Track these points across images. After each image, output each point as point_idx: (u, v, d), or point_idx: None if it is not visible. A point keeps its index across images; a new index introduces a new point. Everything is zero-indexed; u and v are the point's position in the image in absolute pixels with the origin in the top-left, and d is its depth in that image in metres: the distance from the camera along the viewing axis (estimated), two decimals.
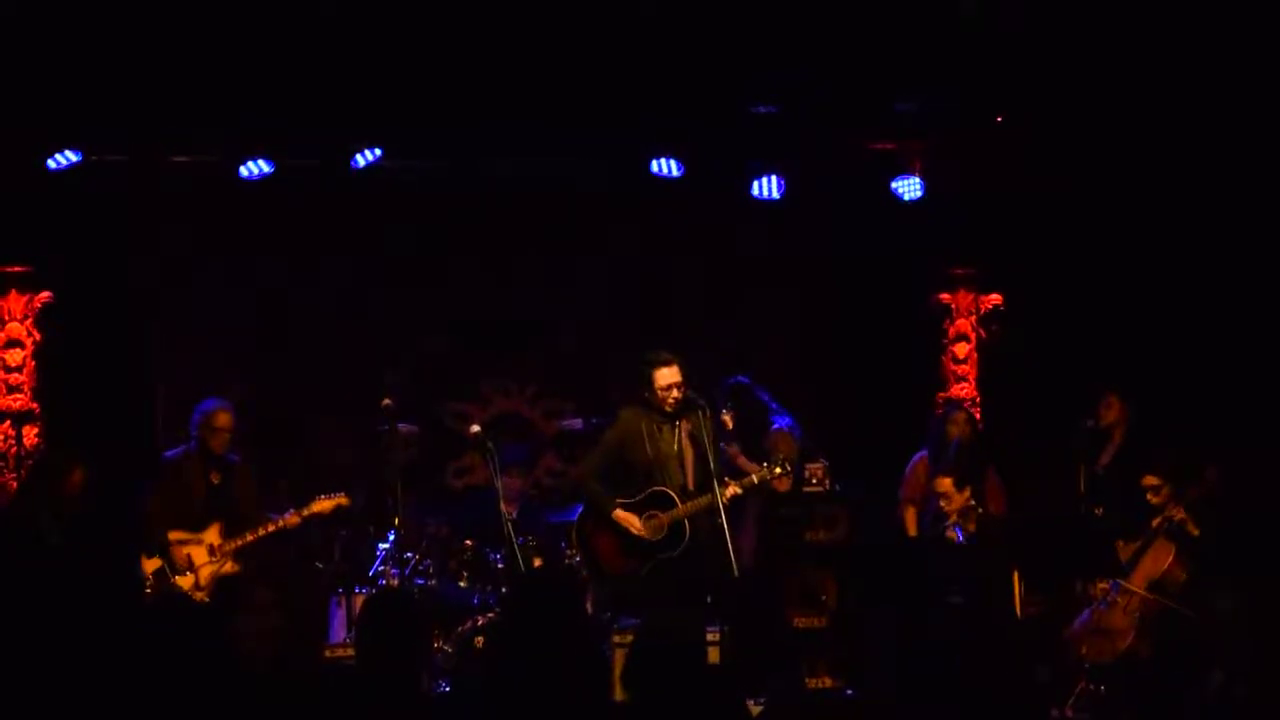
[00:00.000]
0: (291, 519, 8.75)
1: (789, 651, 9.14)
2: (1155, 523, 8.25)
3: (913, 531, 9.43)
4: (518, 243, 10.75)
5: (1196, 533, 8.17)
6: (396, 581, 8.85)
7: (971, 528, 8.65)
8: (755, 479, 8.09)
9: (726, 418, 9.35)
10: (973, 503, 8.68)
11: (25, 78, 8.85)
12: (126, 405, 10.02)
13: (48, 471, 8.77)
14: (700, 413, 8.01)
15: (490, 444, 8.52)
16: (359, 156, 9.65)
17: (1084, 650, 8.20)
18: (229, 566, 8.68)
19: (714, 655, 8.25)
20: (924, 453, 9.59)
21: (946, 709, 4.55)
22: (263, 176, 9.67)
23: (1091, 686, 8.17)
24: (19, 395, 9.93)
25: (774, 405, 9.62)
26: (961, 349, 10.97)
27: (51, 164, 9.37)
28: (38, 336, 9.98)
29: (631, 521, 8.00)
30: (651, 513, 8.02)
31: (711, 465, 7.88)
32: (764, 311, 10.94)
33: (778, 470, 8.14)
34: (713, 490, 7.79)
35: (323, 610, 9.21)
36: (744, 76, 9.42)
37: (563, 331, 10.84)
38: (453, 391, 10.76)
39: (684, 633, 7.53)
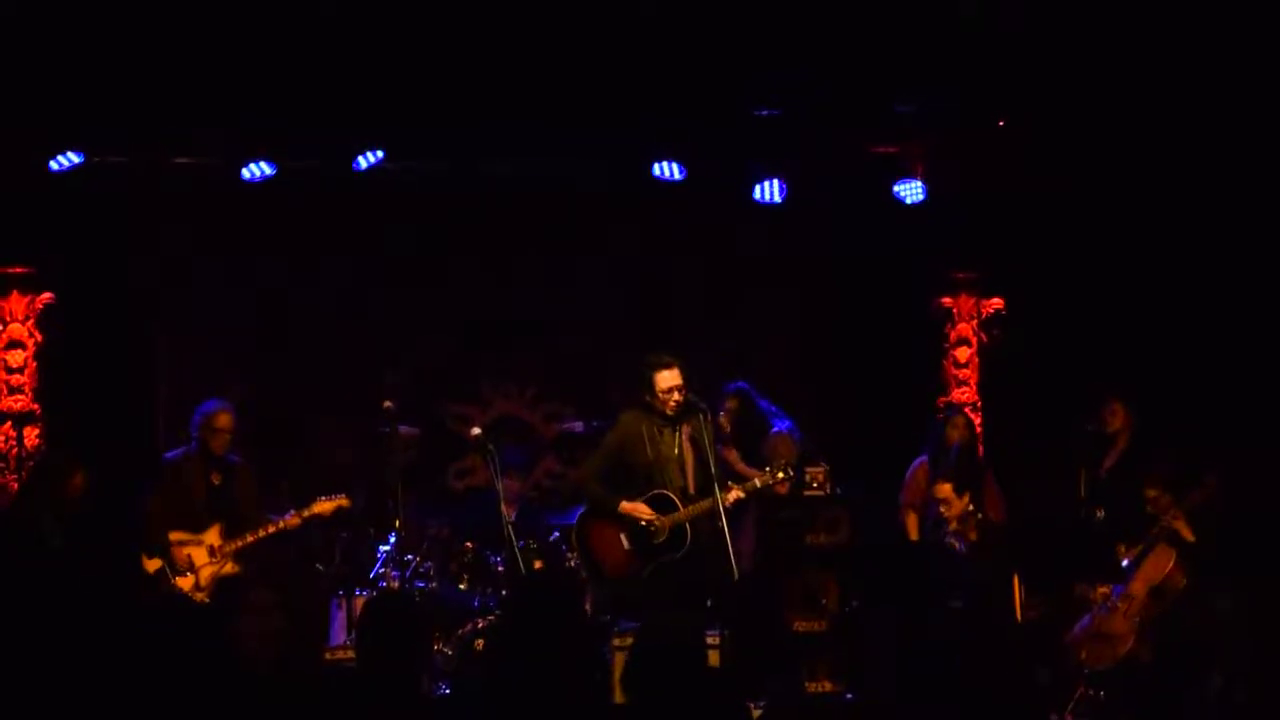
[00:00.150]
0: (292, 520, 8.75)
1: (789, 655, 9.13)
2: (1155, 528, 8.25)
3: (914, 536, 9.43)
4: (518, 243, 10.75)
5: (1192, 538, 8.17)
6: (397, 583, 8.85)
7: (973, 535, 8.64)
8: (758, 483, 8.09)
9: (723, 419, 9.35)
10: (972, 508, 8.67)
11: (27, 79, 8.85)
12: (127, 406, 10.03)
13: (49, 473, 8.77)
14: (701, 416, 8.01)
15: (491, 446, 8.53)
16: (361, 158, 9.65)
17: (1084, 655, 8.19)
18: (229, 567, 8.69)
19: (714, 658, 8.24)
20: (924, 457, 9.58)
21: (946, 710, 4.55)
22: (264, 178, 9.67)
23: (1091, 691, 8.17)
24: (20, 396, 9.93)
25: (773, 409, 9.62)
26: (963, 353, 10.97)
27: (53, 165, 9.37)
28: (39, 337, 9.98)
29: (640, 509, 7.99)
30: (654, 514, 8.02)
31: (712, 469, 7.87)
32: (764, 313, 10.94)
33: (779, 475, 8.14)
34: (714, 493, 7.79)
35: (323, 612, 9.21)
36: (744, 78, 9.42)
37: (563, 333, 10.83)
38: (453, 393, 10.76)
39: (684, 636, 7.52)
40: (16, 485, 9.57)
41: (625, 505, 8.03)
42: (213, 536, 8.69)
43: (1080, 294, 10.36)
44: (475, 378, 10.85)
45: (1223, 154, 9.68)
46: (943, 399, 10.83)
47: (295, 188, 10.01)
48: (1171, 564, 8.16)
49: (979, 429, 10.35)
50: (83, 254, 10.00)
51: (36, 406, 9.95)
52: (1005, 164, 10.13)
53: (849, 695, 8.87)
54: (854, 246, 10.86)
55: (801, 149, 10.13)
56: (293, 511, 8.79)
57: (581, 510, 8.37)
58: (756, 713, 7.86)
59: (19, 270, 9.99)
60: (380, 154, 9.66)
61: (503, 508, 8.57)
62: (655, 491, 8.02)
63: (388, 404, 8.92)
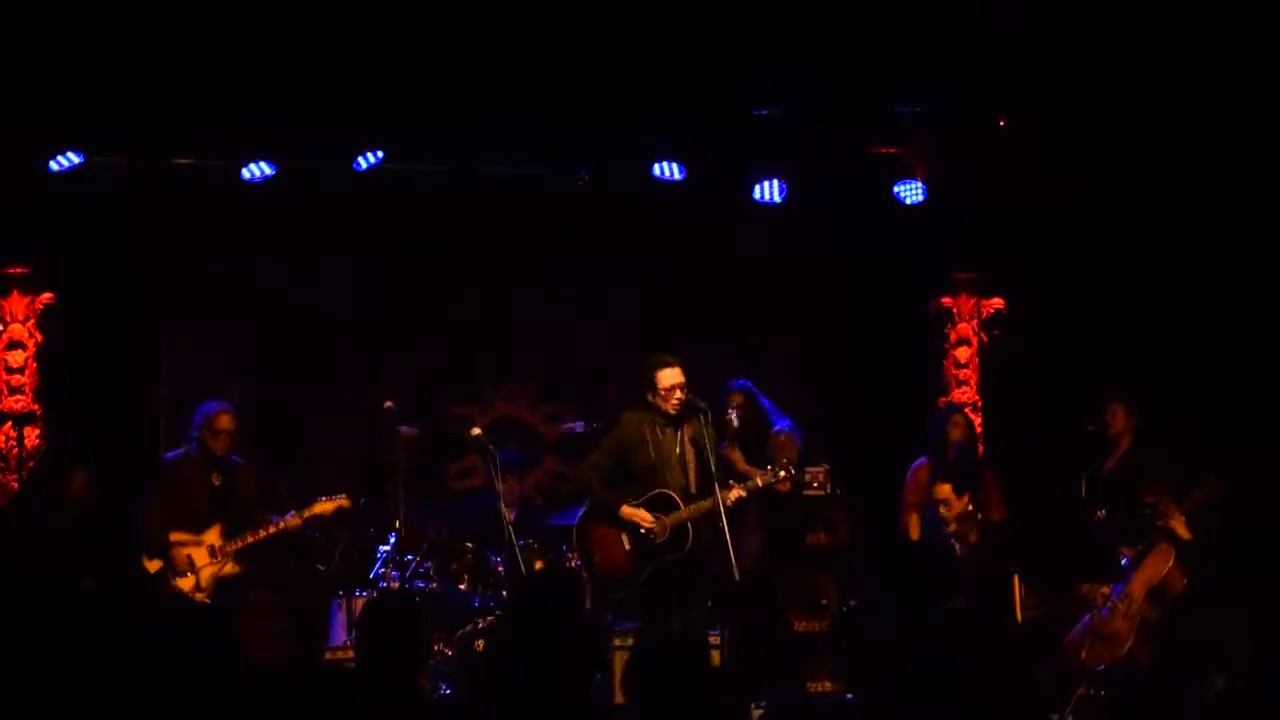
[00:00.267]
0: (292, 521, 8.75)
1: (790, 655, 9.13)
2: (1157, 527, 8.24)
3: (915, 536, 9.42)
4: (518, 243, 10.75)
5: (1188, 537, 8.16)
6: (397, 584, 8.85)
7: (973, 537, 8.63)
8: (759, 481, 8.10)
9: (731, 415, 9.33)
10: (972, 508, 8.66)
11: (27, 79, 8.85)
12: (128, 407, 10.03)
13: (49, 473, 8.77)
14: (701, 416, 8.01)
15: (490, 447, 8.53)
16: (361, 159, 9.65)
17: (1084, 655, 8.18)
18: (230, 568, 8.69)
19: (715, 659, 8.24)
20: (925, 458, 9.58)
21: (946, 710, 4.54)
22: (264, 179, 9.67)
23: (1091, 691, 8.16)
24: (20, 396, 9.93)
25: (773, 409, 9.62)
26: (963, 353, 10.97)
27: (54, 166, 9.37)
28: (39, 338, 9.98)
29: (642, 516, 7.99)
30: (655, 515, 8.01)
31: (712, 468, 7.88)
32: (765, 314, 10.94)
33: (781, 473, 8.14)
34: (715, 493, 7.79)
35: (323, 612, 9.21)
36: (744, 78, 9.42)
37: (564, 333, 10.83)
38: (454, 394, 10.76)
39: (686, 636, 7.52)
40: (17, 485, 9.56)
41: (626, 510, 8.03)
42: (213, 537, 8.69)
43: (1081, 294, 10.35)
44: (475, 378, 10.85)
45: (1223, 154, 9.68)
46: (943, 399, 10.83)
47: (295, 188, 10.01)
48: (1170, 564, 8.16)
49: (979, 429, 10.36)
50: (83, 254, 9.99)
51: (37, 407, 9.94)
52: (1006, 164, 10.13)
53: (849, 695, 8.87)
54: (854, 246, 10.86)
55: (802, 149, 10.13)
56: (293, 512, 8.79)
57: (583, 510, 8.37)
58: (757, 713, 7.87)
59: (19, 270, 9.99)
60: (380, 155, 9.66)
61: (502, 508, 8.57)
62: (657, 491, 8.02)
63: (388, 404, 8.92)
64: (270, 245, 10.41)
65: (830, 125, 9.93)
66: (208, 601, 8.57)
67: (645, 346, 8.78)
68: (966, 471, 9.09)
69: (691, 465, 8.05)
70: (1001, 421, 10.63)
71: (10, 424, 9.87)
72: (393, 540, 8.97)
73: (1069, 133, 9.91)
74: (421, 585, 9.05)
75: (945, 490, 8.73)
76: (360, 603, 8.85)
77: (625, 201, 10.60)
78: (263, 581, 8.82)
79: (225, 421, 8.79)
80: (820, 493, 9.36)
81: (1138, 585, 8.19)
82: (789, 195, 10.19)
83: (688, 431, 8.06)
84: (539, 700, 4.72)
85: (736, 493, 7.95)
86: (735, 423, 9.38)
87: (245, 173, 9.65)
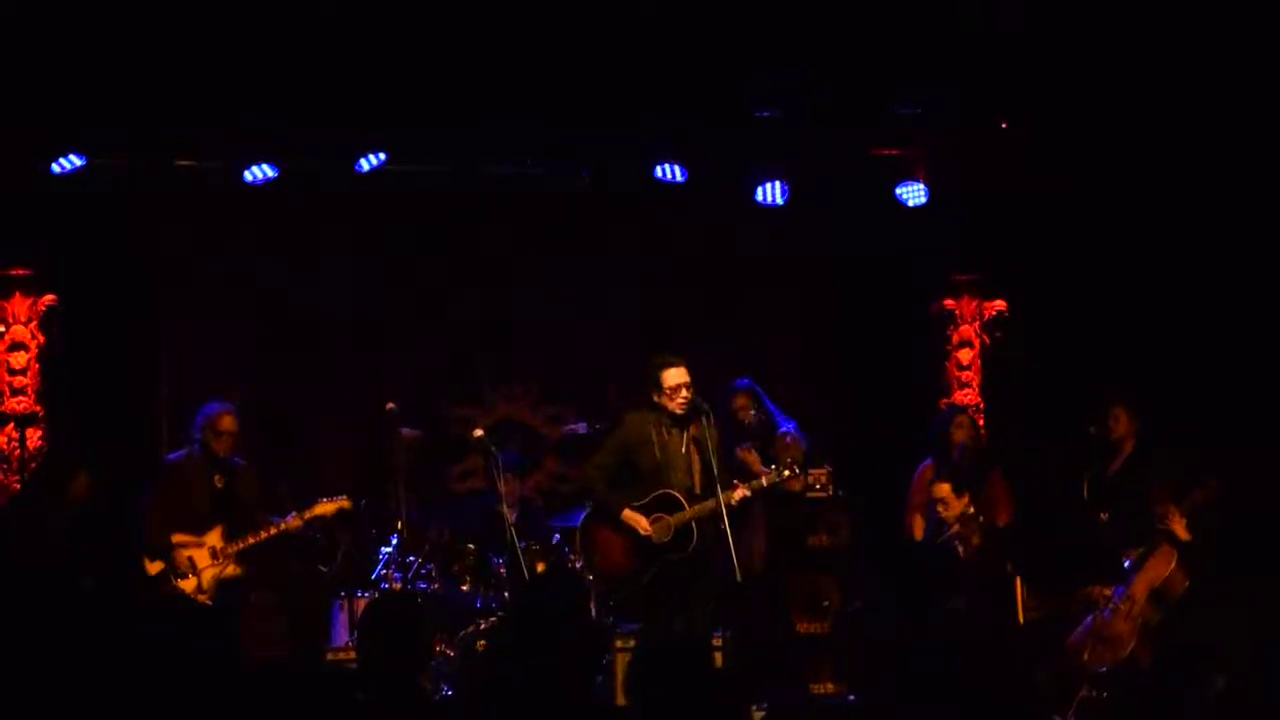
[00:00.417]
0: (294, 522, 8.76)
1: (791, 656, 9.13)
2: (1157, 529, 8.24)
3: (919, 538, 9.41)
4: (519, 244, 10.75)
5: (1188, 538, 8.16)
6: (399, 585, 8.85)
7: (976, 540, 8.63)
8: (764, 482, 8.09)
9: (749, 414, 9.29)
10: (972, 510, 8.65)
11: (29, 81, 8.85)
12: (130, 408, 10.03)
13: (51, 474, 8.77)
14: (704, 417, 8.00)
15: (492, 448, 8.53)
16: (363, 160, 9.65)
17: (1086, 657, 8.18)
18: (231, 569, 8.69)
19: (718, 660, 8.24)
20: (931, 459, 9.58)
21: (946, 711, 4.54)
22: (266, 180, 9.67)
23: (1093, 693, 8.16)
24: (23, 398, 9.93)
25: (775, 410, 9.61)
26: (965, 355, 10.96)
27: (55, 168, 9.37)
28: (41, 339, 9.98)
29: (640, 522, 7.99)
30: (658, 515, 8.01)
31: (714, 469, 7.87)
32: (766, 315, 10.93)
33: (786, 473, 8.14)
34: (720, 493, 7.78)
35: (325, 613, 9.21)
36: (745, 79, 9.42)
37: (565, 334, 10.83)
38: (455, 395, 10.76)
39: (688, 637, 7.52)
40: (19, 486, 9.57)
41: (626, 514, 8.02)
42: (215, 538, 8.70)
43: (1084, 295, 10.34)
44: (476, 379, 10.85)
45: (1224, 154, 9.67)
46: (944, 401, 10.82)
47: (296, 188, 10.00)
48: (1172, 565, 8.15)
49: (982, 431, 10.34)
50: (85, 256, 9.99)
51: (39, 408, 9.94)
52: (1007, 165, 10.12)
53: (851, 697, 8.87)
54: (855, 248, 10.86)
55: (803, 150, 10.13)
56: (294, 513, 8.80)
57: (586, 511, 8.36)
58: (759, 715, 7.87)
59: (21, 272, 9.99)
60: (383, 156, 9.66)
61: (504, 509, 8.57)
62: (661, 491, 8.01)
63: (390, 406, 8.92)
64: (270, 245, 10.41)
65: (831, 126, 9.93)
66: (209, 603, 8.57)
67: (645, 346, 8.78)
68: (969, 473, 9.09)
69: (696, 466, 8.05)
70: (1003, 423, 10.62)
71: (12, 425, 9.86)
72: (394, 541, 8.97)
73: (1070, 133, 9.91)
74: (423, 586, 9.05)
75: (944, 490, 8.73)
76: (362, 604, 8.85)
77: (625, 202, 10.59)
78: (264, 583, 8.83)
79: (228, 423, 8.79)
80: (822, 494, 9.34)
81: (1140, 587, 8.18)
82: (790, 196, 10.18)
83: (692, 432, 8.06)
84: (540, 702, 4.72)
85: (741, 493, 7.95)
86: (749, 422, 9.35)
87: (248, 175, 9.65)
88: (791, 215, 10.43)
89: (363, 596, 8.98)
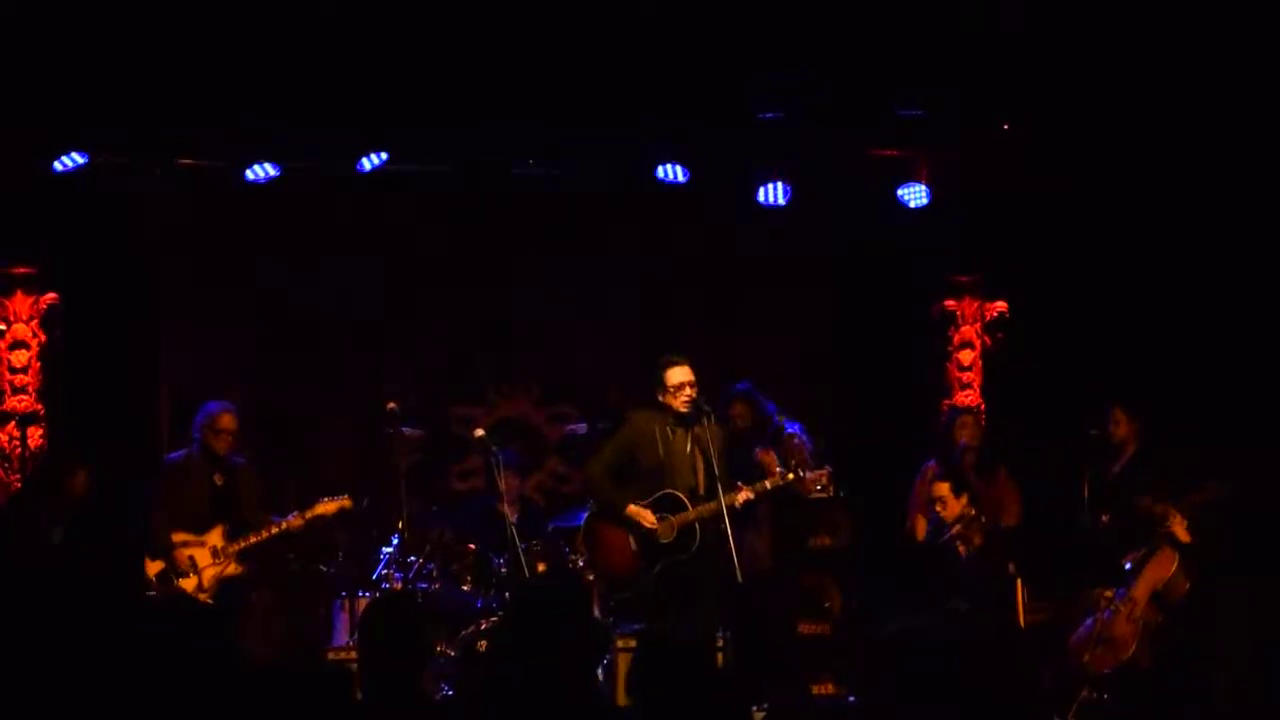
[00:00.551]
0: (295, 521, 8.76)
1: (792, 657, 9.12)
2: (1158, 531, 8.23)
3: (921, 538, 9.41)
4: (519, 244, 10.75)
5: (1188, 539, 8.15)
6: (400, 585, 8.84)
7: (978, 540, 8.63)
8: (768, 485, 8.08)
9: (744, 418, 9.27)
10: (973, 511, 8.65)
11: (31, 80, 8.86)
12: (131, 407, 10.03)
13: (51, 473, 8.78)
14: (706, 417, 7.99)
15: (494, 448, 8.52)
16: (365, 160, 9.65)
17: (1087, 659, 8.17)
18: (232, 568, 8.69)
19: (719, 660, 8.24)
20: (933, 460, 9.59)
21: (947, 712, 4.54)
22: (268, 179, 9.67)
23: (1094, 695, 8.15)
24: (24, 396, 9.93)
25: (776, 411, 9.60)
26: (966, 356, 10.96)
27: (57, 166, 9.37)
28: (43, 337, 9.98)
29: (644, 516, 7.98)
30: (662, 515, 8.00)
31: (716, 470, 7.86)
32: (766, 315, 10.93)
33: (790, 475, 8.13)
34: (724, 494, 7.78)
35: (326, 613, 9.21)
36: (746, 79, 9.42)
37: (564, 333, 10.83)
38: (457, 395, 10.76)
39: (691, 637, 7.52)
40: (20, 485, 9.57)
41: (631, 509, 8.01)
42: (216, 538, 8.70)
43: (1085, 296, 10.34)
44: (477, 379, 10.85)
45: (1224, 153, 9.66)
46: (946, 402, 10.82)
47: (296, 188, 10.00)
48: (1174, 567, 8.14)
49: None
50: (86, 254, 10.00)
51: (40, 406, 9.95)
52: (1008, 167, 10.12)
53: (851, 698, 8.87)
54: (857, 248, 10.86)
55: (805, 152, 10.13)
56: (295, 512, 8.80)
57: (590, 510, 8.36)
58: (760, 715, 7.87)
59: (23, 270, 9.99)
60: (384, 156, 9.66)
61: (505, 509, 8.56)
62: (664, 491, 8.00)
63: (391, 405, 8.93)
64: (270, 245, 10.41)
65: (832, 127, 9.93)
66: (210, 602, 8.57)
67: (645, 346, 8.77)
68: (971, 473, 9.10)
69: (700, 466, 8.04)
70: (1005, 424, 10.62)
71: (14, 424, 9.86)
72: (395, 541, 8.97)
73: (1072, 134, 9.90)
74: (424, 586, 9.04)
75: (943, 489, 8.73)
76: (363, 603, 8.85)
77: (626, 202, 10.60)
78: (265, 582, 8.83)
79: (228, 421, 8.80)
80: (823, 495, 9.35)
81: (1141, 589, 8.17)
82: (793, 197, 10.18)
83: (696, 432, 8.03)
84: (540, 701, 4.71)
85: (745, 495, 7.94)
86: (742, 428, 9.35)
87: (249, 173, 9.66)
88: (793, 216, 10.43)
89: (363, 596, 8.98)
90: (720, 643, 8.13)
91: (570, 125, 9.58)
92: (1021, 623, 8.54)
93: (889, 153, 10.37)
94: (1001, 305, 10.97)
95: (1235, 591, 8.11)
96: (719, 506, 7.76)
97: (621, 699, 7.41)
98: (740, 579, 7.65)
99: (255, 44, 8.78)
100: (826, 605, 9.37)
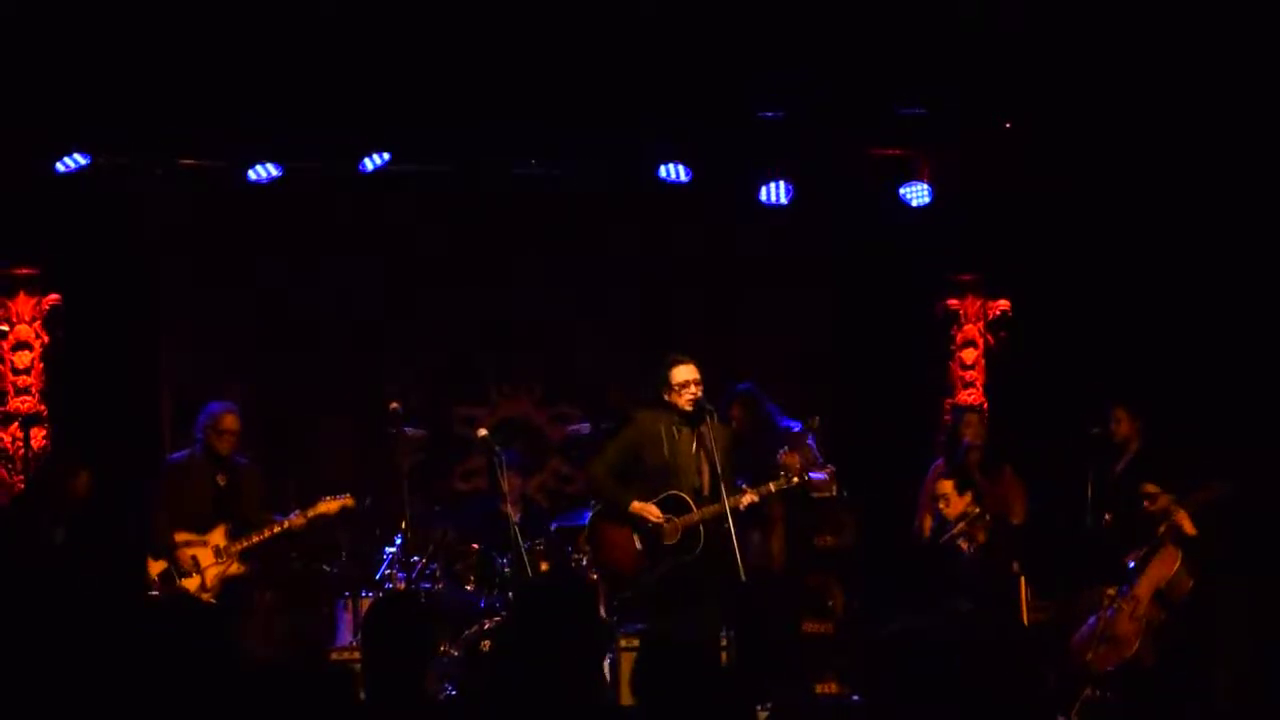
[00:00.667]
0: (297, 520, 8.76)
1: (796, 657, 9.12)
2: (1161, 529, 8.23)
3: (928, 536, 9.41)
4: (521, 244, 10.76)
5: (1193, 532, 8.14)
6: (403, 585, 8.85)
7: (981, 537, 8.63)
8: (772, 488, 8.06)
9: (741, 419, 9.27)
10: (977, 510, 8.65)
11: (33, 80, 8.86)
12: (134, 407, 10.04)
13: (53, 474, 8.78)
14: (709, 416, 7.99)
15: (497, 448, 8.53)
16: (367, 160, 9.65)
17: (1090, 657, 8.17)
18: (235, 568, 8.69)
19: (723, 660, 8.24)
20: (943, 458, 9.60)
21: (948, 711, 4.54)
22: (270, 180, 9.67)
23: (1097, 693, 8.15)
24: (27, 397, 9.93)
25: (778, 412, 9.59)
26: (969, 355, 10.96)
27: (59, 167, 9.38)
28: (46, 339, 9.99)
29: (649, 510, 7.97)
30: (666, 517, 8.00)
31: (720, 471, 7.85)
32: (768, 315, 10.93)
33: (794, 480, 8.12)
34: (727, 496, 7.77)
35: (329, 613, 9.22)
36: (746, 78, 9.42)
37: (564, 334, 10.84)
38: (460, 395, 10.76)
39: (695, 637, 7.52)
40: (23, 486, 9.58)
41: (636, 506, 8.00)
42: (218, 537, 8.70)
43: (1088, 295, 10.34)
44: (481, 379, 10.85)
45: (1225, 153, 9.66)
46: (949, 401, 10.83)
47: (297, 188, 10.01)
48: (1177, 565, 8.14)
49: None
50: (89, 255, 10.00)
51: (43, 407, 9.95)
52: (1011, 166, 10.12)
53: (855, 697, 8.87)
54: (859, 248, 10.86)
55: (807, 151, 10.13)
56: (298, 512, 8.80)
57: (594, 510, 8.36)
58: (763, 715, 7.87)
59: (26, 271, 9.99)
60: (386, 156, 9.66)
61: (508, 509, 8.56)
62: (669, 492, 8.00)
63: (394, 405, 8.93)
64: (272, 245, 10.42)
65: (833, 127, 9.93)
66: (213, 602, 8.58)
67: (645, 346, 8.76)
68: (975, 471, 9.11)
69: (705, 467, 8.02)
70: (1008, 423, 10.61)
71: (17, 424, 9.87)
72: (398, 541, 8.97)
73: (1075, 133, 9.90)
74: (427, 586, 9.05)
75: (946, 487, 8.74)
76: (366, 603, 8.86)
77: (626, 202, 10.60)
78: (268, 582, 8.83)
79: (230, 422, 8.80)
80: (826, 494, 9.34)
81: (1144, 587, 8.17)
82: (795, 197, 10.18)
83: (702, 433, 8.01)
84: (543, 701, 4.72)
85: (749, 498, 7.93)
86: (740, 428, 9.33)
87: (252, 174, 9.66)
88: (793, 215, 10.43)
89: (367, 596, 8.98)
90: (724, 642, 8.13)
91: (571, 125, 9.58)
92: (1025, 621, 8.55)
93: (891, 152, 10.37)
94: (1004, 304, 10.96)
95: (1236, 591, 8.10)
96: (723, 508, 7.76)
97: (625, 699, 7.41)
98: (744, 578, 7.65)
99: (256, 45, 8.78)
100: (830, 604, 9.37)
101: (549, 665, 4.73)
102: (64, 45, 8.71)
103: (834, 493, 9.33)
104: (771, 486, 8.07)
